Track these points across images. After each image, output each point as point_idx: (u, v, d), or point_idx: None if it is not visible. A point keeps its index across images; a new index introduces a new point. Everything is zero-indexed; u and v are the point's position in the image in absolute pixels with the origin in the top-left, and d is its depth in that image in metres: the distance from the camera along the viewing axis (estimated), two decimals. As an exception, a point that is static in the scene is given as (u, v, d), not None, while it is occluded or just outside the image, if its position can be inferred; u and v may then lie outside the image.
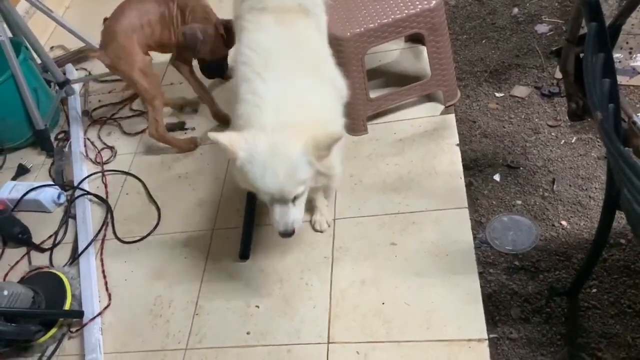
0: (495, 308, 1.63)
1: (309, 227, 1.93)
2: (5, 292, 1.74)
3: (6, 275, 2.09)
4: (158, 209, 2.17)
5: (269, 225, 1.97)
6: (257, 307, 1.76)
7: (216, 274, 1.90)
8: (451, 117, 2.14)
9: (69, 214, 2.25)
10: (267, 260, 1.88)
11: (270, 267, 1.86)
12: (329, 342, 1.62)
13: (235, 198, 2.11)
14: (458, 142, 2.03)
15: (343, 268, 1.79)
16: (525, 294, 1.63)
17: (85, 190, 2.30)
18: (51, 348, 1.83)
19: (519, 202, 1.86)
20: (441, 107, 2.18)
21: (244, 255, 1.90)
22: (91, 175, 2.37)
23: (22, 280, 1.95)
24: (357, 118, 2.15)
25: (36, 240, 2.19)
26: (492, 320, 1.59)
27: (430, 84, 2.13)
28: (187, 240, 2.04)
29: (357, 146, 2.15)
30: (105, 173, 2.38)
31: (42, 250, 2.15)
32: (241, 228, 1.99)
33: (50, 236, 2.19)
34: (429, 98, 2.22)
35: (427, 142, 2.07)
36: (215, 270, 1.91)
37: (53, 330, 1.82)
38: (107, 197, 2.28)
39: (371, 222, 1.88)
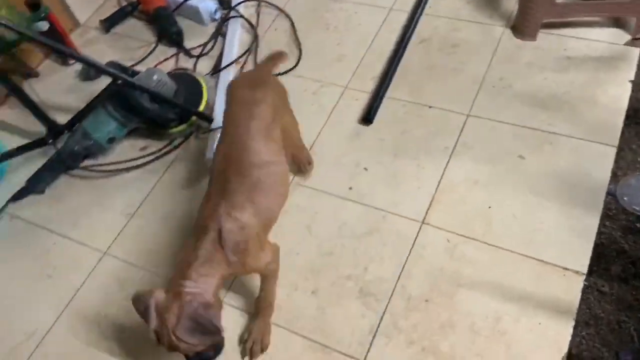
0: (597, 260, 1.54)
1: (439, 117, 1.89)
2: (155, 77, 1.91)
3: (155, 66, 2.27)
4: (300, 51, 2.21)
5: (401, 100, 1.97)
6: (365, 169, 1.81)
7: (335, 128, 1.94)
8: (635, 52, 1.89)
9: (220, 31, 2.36)
10: (388, 133, 1.89)
11: (389, 139, 1.87)
12: (423, 222, 1.64)
13: (376, 64, 2.09)
14: (633, 79, 1.82)
15: (461, 163, 1.75)
16: (635, 257, 1.53)
17: (240, 14, 2.37)
18: (179, 140, 2.02)
19: (673, 166, 1.68)
20: (627, 37, 1.93)
21: (368, 118, 1.91)
22: (248, 0, 2.43)
23: (169, 75, 2.11)
24: (530, 20, 1.97)
25: (187, 45, 2.34)
26: (589, 269, 1.52)
27: (628, 6, 1.87)
28: (317, 88, 2.08)
29: (519, 51, 2.00)
30: (262, 3, 2.42)
31: (190, 56, 2.30)
32: (372, 94, 2.00)
33: (200, 45, 2.32)
34: (618, 24, 1.97)
35: (597, 68, 1.87)
36: (335, 124, 1.95)
37: (184, 126, 2.00)
38: (257, 25, 2.34)
39: (506, 129, 1.80)
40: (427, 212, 1.66)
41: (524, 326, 1.40)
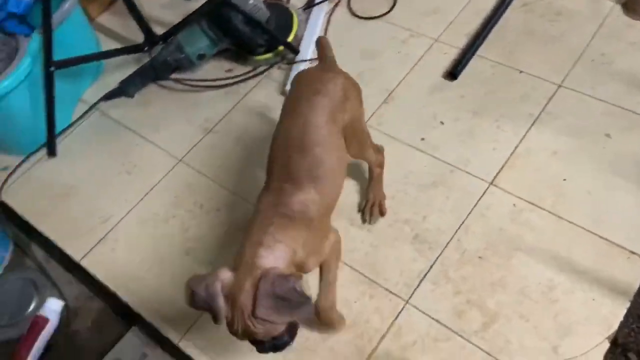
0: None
1: (528, 83, 1.83)
2: (251, 1, 1.96)
3: (252, -6, 2.32)
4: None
5: (491, 61, 1.92)
6: (442, 123, 1.79)
7: (418, 79, 1.93)
8: None
9: (318, -32, 2.35)
10: (471, 91, 1.85)
11: (471, 97, 1.84)
12: (491, 183, 1.62)
13: (472, 21, 2.03)
14: None
15: (542, 132, 1.70)
16: None
17: (341, -47, 2.35)
18: (262, 68, 2.08)
19: None
20: None
21: (454, 74, 1.88)
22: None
23: (264, 2, 2.14)
24: (647, -2, 1.85)
25: (284, -23, 2.36)
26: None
27: None
28: (407, 37, 2.05)
29: (627, 29, 1.88)
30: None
31: (285, -12, 2.33)
32: (462, 50, 1.95)
33: (299, -19, 2.34)
34: None
35: None
36: (419, 74, 1.94)
37: (270, 55, 2.05)
38: (356, -34, 2.32)
39: (597, 105, 1.72)
40: (497, 174, 1.63)
41: (576, 299, 1.38)
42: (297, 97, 1.35)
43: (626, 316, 1.37)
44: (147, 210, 1.77)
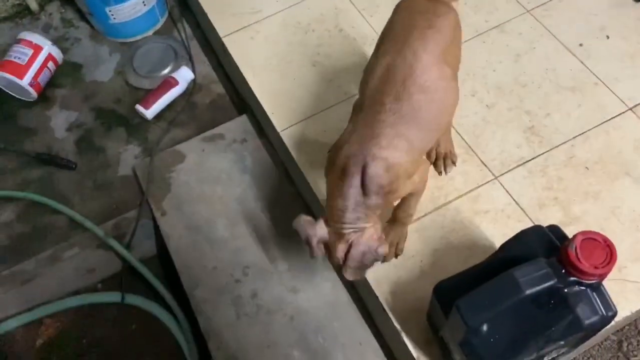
0: None
1: None
2: None
3: None
4: None
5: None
6: (607, 37, 1.70)
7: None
8: None
9: None
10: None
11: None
12: (630, 109, 1.55)
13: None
14: None
15: None
16: None
17: None
18: None
19: None
20: None
21: (642, -5, 1.74)
22: None
23: None
24: None
25: None
26: None
27: None
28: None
29: None
30: None
31: None
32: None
33: None
34: None
35: None
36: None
37: None
38: None
39: None
40: (641, 102, 1.55)
41: (666, 238, 1.34)
42: (404, 25, 1.18)
43: None
44: (292, 17, 1.87)
